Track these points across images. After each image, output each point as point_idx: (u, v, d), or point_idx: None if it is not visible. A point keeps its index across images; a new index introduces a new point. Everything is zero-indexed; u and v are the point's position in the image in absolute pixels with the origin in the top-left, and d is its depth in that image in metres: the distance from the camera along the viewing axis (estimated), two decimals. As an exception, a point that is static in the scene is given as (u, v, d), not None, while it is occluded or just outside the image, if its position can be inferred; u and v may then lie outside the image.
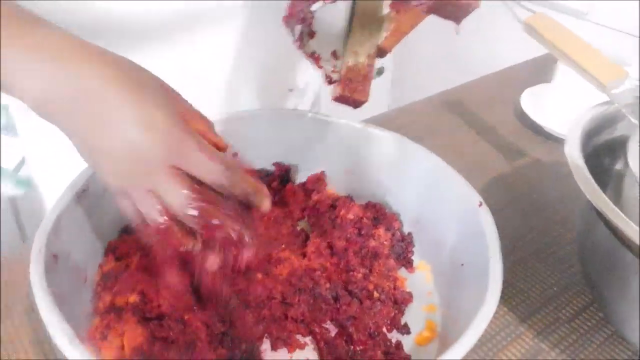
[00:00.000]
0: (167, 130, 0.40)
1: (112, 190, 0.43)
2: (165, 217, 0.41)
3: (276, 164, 0.64)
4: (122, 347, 0.47)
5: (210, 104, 0.67)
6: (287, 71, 0.72)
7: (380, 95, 0.85)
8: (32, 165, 0.74)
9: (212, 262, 0.43)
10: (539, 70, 0.97)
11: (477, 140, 0.82)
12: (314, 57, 0.48)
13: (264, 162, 0.64)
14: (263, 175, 0.63)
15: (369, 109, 0.59)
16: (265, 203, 0.45)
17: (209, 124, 0.46)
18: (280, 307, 0.50)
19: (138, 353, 0.45)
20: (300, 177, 0.65)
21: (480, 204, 0.52)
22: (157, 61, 0.62)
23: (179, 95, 0.45)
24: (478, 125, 0.85)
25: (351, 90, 0.47)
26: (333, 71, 0.48)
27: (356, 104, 0.49)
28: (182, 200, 0.41)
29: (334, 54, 0.48)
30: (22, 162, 0.74)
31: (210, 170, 0.42)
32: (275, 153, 0.64)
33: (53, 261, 0.45)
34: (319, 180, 0.63)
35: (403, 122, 0.60)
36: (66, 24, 0.43)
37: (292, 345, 0.49)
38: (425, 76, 1.33)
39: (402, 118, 0.60)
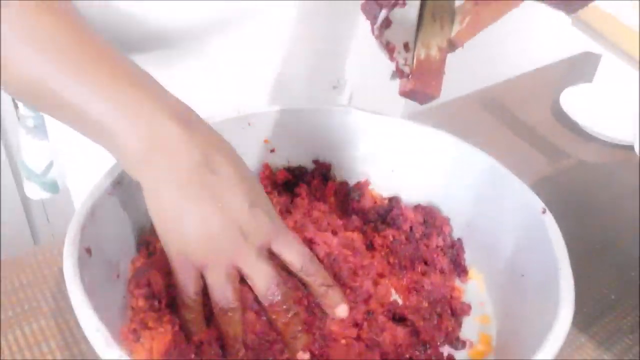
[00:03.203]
0: (270, 210, 0.42)
1: (182, 259, 0.41)
2: (237, 301, 0.42)
3: (316, 162, 0.61)
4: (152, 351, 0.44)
5: (255, 98, 0.65)
6: (331, 68, 0.70)
7: (396, 101, 0.83)
8: (60, 168, 0.72)
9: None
10: (577, 69, 0.94)
11: (515, 140, 0.79)
12: (389, 48, 0.45)
13: (304, 158, 0.61)
14: (303, 172, 0.60)
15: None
16: (341, 307, 0.45)
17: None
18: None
19: (166, 356, 0.43)
20: (344, 175, 0.61)
21: (544, 211, 0.48)
22: (205, 54, 0.61)
23: None
24: (516, 125, 0.82)
25: (423, 85, 0.44)
26: (404, 64, 0.45)
27: (426, 99, 0.46)
28: (269, 282, 0.41)
29: (406, 46, 0.45)
30: (50, 165, 0.72)
31: (300, 255, 0.43)
32: (315, 149, 0.61)
33: (86, 255, 0.42)
34: (363, 186, 0.60)
35: (435, 121, 0.57)
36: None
37: None
38: (448, 77, 1.30)
39: (435, 117, 0.57)
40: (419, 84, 0.44)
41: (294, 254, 0.43)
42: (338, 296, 0.44)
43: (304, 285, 0.44)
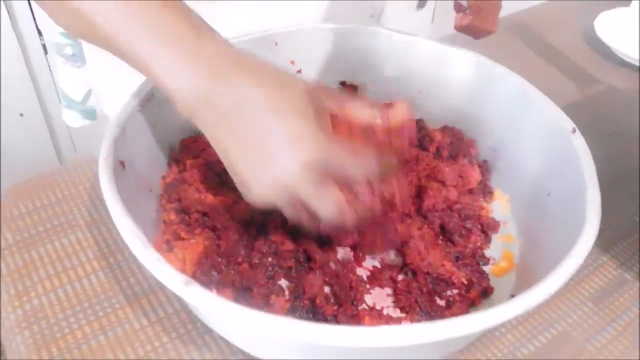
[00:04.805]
0: (313, 140, 0.39)
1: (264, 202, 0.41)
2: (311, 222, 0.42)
3: (343, 83, 0.61)
4: (185, 261, 0.46)
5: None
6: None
7: (421, 32, 0.81)
8: (98, 95, 0.72)
9: None
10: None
11: (545, 65, 0.77)
12: None
13: (331, 80, 0.60)
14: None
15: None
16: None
17: (343, 99, 0.44)
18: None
19: (198, 266, 0.45)
20: (370, 97, 0.61)
21: (574, 130, 0.48)
22: None
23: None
24: (546, 50, 0.80)
25: (480, 20, 0.44)
26: None
27: (481, 34, 0.45)
28: (333, 211, 0.41)
29: None
30: (89, 93, 0.72)
31: (360, 172, 0.41)
32: (342, 71, 0.60)
33: (120, 167, 0.44)
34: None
35: (463, 45, 0.56)
36: None
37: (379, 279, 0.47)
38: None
39: (463, 41, 0.56)
40: (477, 18, 0.44)
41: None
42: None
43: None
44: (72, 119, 0.74)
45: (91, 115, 0.74)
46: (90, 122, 0.74)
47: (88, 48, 0.67)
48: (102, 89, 0.70)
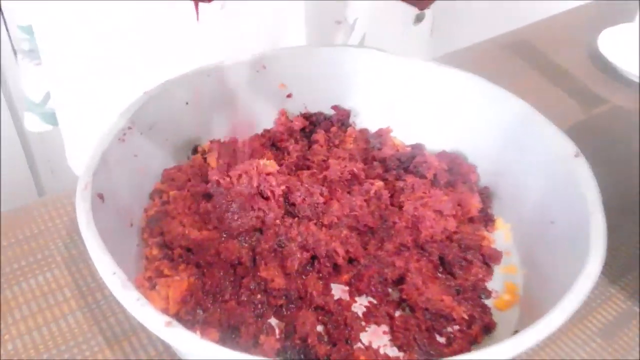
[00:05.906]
0: None
1: None
2: None
3: (335, 107, 0.58)
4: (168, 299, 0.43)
5: (257, 36, 0.61)
6: (337, 2, 0.66)
7: (418, 47, 0.79)
8: (54, 97, 0.67)
9: None
10: (617, 8, 0.88)
11: (548, 85, 0.75)
12: None
13: (322, 105, 0.58)
14: (321, 119, 0.58)
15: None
16: None
17: None
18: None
19: (182, 305, 0.42)
20: (363, 121, 0.59)
21: (577, 155, 0.46)
22: None
23: None
24: (549, 69, 0.78)
25: None
26: None
27: (424, 2, 0.43)
28: None
29: None
30: (47, 96, 0.68)
31: None
32: (334, 94, 0.58)
33: (99, 200, 0.41)
34: (384, 133, 0.57)
35: (462, 65, 0.54)
36: None
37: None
38: (476, 18, 1.24)
39: (461, 61, 0.54)
40: None
41: None
42: None
43: None
44: (32, 123, 0.69)
45: (51, 119, 0.69)
46: (51, 127, 0.69)
47: (43, 45, 0.63)
48: (57, 90, 0.65)
